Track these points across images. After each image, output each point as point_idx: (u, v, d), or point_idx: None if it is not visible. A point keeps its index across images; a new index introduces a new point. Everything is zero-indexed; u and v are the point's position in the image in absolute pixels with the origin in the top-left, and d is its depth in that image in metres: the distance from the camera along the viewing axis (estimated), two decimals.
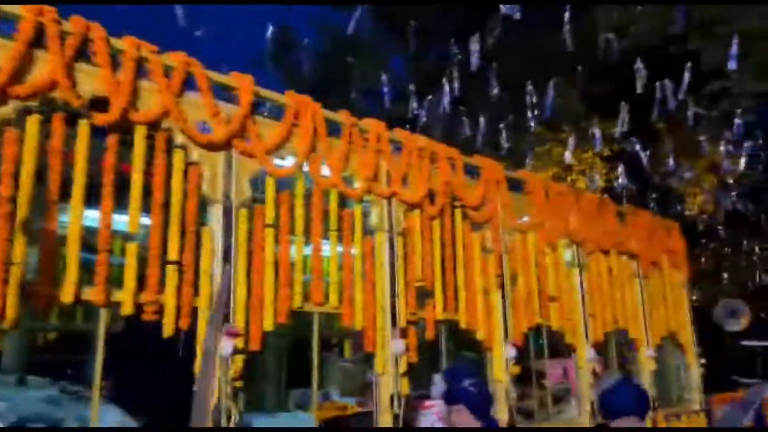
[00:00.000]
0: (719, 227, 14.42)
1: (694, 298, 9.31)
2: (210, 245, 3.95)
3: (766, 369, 13.55)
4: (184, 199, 3.86)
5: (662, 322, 7.99)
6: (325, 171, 4.71)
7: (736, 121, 11.25)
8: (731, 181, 13.57)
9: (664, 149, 13.08)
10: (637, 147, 11.80)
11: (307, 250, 4.54)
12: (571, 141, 11.33)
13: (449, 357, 5.46)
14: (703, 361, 9.07)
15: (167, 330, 3.63)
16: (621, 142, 12.61)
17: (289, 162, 4.54)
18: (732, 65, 9.59)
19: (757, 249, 15.32)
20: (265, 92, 4.52)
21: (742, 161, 11.87)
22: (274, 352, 5.76)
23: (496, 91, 10.85)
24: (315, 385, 4.44)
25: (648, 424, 3.68)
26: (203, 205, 4.04)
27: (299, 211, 4.46)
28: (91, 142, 3.53)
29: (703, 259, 14.70)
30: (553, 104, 10.88)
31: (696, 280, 9.59)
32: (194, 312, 3.78)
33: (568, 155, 11.36)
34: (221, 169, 4.12)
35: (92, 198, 3.54)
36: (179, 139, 3.94)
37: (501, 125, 11.70)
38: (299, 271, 4.35)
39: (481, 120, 11.21)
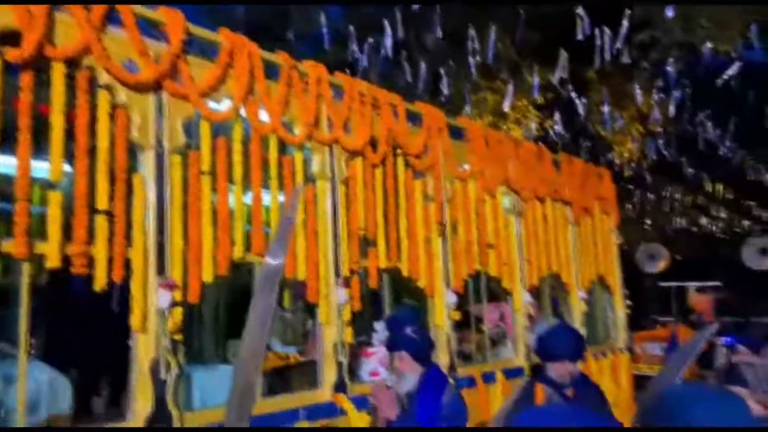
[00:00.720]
0: (645, 174, 15.04)
1: (619, 242, 9.72)
2: (142, 194, 3.72)
3: (680, 307, 14.51)
4: (111, 144, 3.60)
5: (592, 266, 8.33)
6: (264, 116, 4.49)
7: (666, 70, 11.56)
8: (659, 129, 14.08)
9: (595, 98, 13.35)
10: (573, 95, 11.96)
11: (247, 199, 4.37)
12: (509, 89, 11.35)
13: (391, 305, 5.49)
14: (629, 303, 9.60)
15: (99, 283, 3.43)
16: (555, 90, 12.74)
17: (224, 106, 4.29)
18: (669, 12, 9.74)
19: (678, 196, 16.17)
20: (197, 29, 4.21)
21: (671, 109, 12.27)
22: (211, 302, 5.62)
23: (438, 34, 10.63)
24: None
25: (579, 364, 3.84)
26: (133, 151, 3.78)
27: (237, 158, 4.26)
28: (3, 81, 3.20)
29: (629, 206, 15.38)
30: (494, 51, 10.79)
31: (621, 225, 10.01)
32: (127, 264, 3.59)
33: (506, 104, 11.39)
34: (152, 113, 3.84)
35: (6, 142, 3.24)
36: (104, 78, 3.63)
37: (440, 71, 11.56)
38: (239, 221, 4.19)
39: (422, 66, 11.03)
